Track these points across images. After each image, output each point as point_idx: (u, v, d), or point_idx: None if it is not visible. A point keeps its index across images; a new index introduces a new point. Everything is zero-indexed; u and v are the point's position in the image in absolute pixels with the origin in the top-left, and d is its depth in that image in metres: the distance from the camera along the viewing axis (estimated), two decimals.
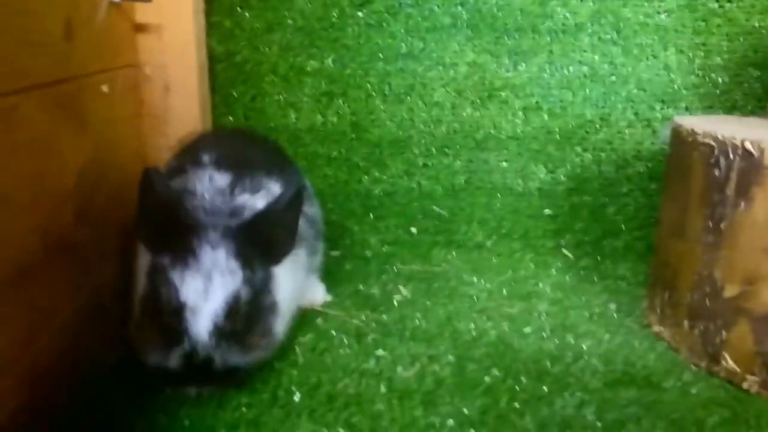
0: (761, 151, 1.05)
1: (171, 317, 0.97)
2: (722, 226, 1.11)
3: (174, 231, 1.01)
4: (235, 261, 1.00)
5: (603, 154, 1.75)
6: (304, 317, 1.32)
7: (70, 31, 1.11)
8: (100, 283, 1.24)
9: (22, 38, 0.96)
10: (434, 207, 1.79)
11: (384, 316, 1.34)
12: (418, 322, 1.31)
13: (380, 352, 1.19)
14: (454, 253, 1.70)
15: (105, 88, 1.28)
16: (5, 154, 0.90)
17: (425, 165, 1.79)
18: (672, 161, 1.28)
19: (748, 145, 1.07)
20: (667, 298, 1.26)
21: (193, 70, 1.55)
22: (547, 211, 1.77)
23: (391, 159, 1.78)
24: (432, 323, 1.31)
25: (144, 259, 1.07)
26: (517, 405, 1.04)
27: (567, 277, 1.57)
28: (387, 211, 1.78)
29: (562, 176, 1.77)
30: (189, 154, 1.25)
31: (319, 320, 1.32)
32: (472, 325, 1.30)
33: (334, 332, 1.26)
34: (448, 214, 1.78)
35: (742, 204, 1.08)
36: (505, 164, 1.78)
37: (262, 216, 1.05)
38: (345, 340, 1.23)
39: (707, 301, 1.14)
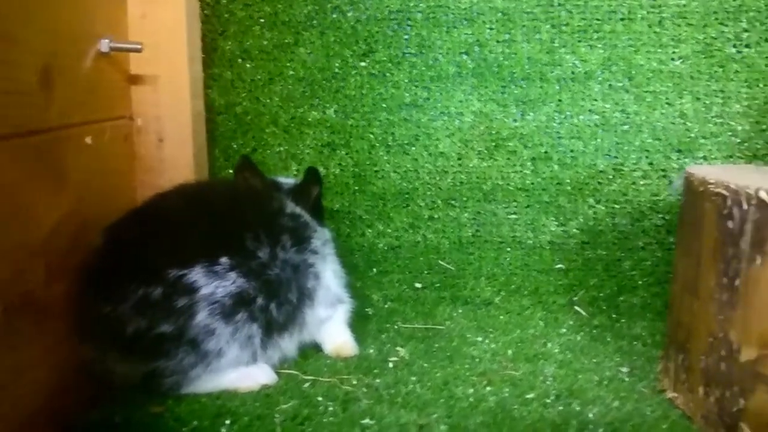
0: None
1: None
2: (737, 282, 1.01)
3: None
4: None
5: (617, 206, 1.66)
6: (288, 381, 1.24)
7: (48, 81, 1.08)
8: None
9: None
10: (440, 261, 1.71)
11: (377, 380, 1.25)
12: (411, 387, 1.22)
13: (367, 421, 1.10)
14: (460, 310, 1.60)
15: (89, 140, 1.25)
16: None
17: (431, 218, 1.73)
18: (684, 213, 1.20)
19: (763, 195, 0.98)
20: (681, 361, 1.15)
21: (187, 121, 1.52)
22: (559, 266, 1.68)
23: (396, 212, 1.72)
24: (427, 388, 1.22)
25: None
26: None
27: (578, 337, 1.46)
28: (391, 265, 1.71)
29: (574, 229, 1.69)
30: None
31: (306, 385, 1.23)
32: (471, 390, 1.21)
33: (320, 398, 1.17)
34: (455, 269, 1.70)
35: (758, 259, 0.98)
36: (514, 216, 1.70)
37: None
38: (331, 408, 1.14)
39: (723, 366, 1.04)
